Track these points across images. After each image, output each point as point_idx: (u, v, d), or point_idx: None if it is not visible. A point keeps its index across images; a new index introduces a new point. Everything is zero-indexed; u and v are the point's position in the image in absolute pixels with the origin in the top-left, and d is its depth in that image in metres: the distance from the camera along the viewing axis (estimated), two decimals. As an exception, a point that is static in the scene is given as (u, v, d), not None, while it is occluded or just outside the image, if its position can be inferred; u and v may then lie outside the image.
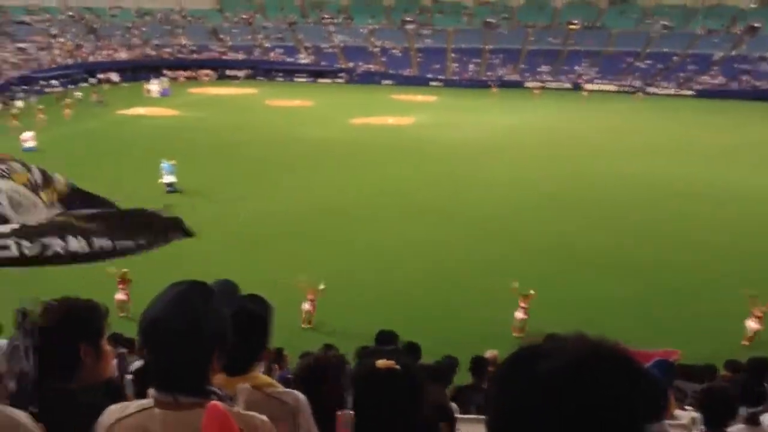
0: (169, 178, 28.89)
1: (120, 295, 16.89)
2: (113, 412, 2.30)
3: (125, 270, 16.77)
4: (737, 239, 23.95)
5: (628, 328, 15.68)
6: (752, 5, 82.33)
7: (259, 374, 3.12)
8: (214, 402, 2.14)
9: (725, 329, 16.61)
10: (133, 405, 2.31)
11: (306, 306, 17.22)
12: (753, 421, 5.71)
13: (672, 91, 71.15)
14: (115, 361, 5.94)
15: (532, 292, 16.90)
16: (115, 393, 3.39)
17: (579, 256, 22.22)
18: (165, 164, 29.22)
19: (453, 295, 19.11)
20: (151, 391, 2.28)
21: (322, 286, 17.22)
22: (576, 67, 78.55)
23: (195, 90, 68.51)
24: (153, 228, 3.88)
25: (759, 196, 29.52)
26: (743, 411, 6.06)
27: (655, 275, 20.63)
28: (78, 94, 58.98)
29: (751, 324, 16.37)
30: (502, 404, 1.30)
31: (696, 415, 5.95)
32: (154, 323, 2.22)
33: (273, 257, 21.74)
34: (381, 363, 2.54)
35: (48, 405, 2.60)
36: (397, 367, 2.53)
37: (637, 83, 73.34)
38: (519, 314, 16.78)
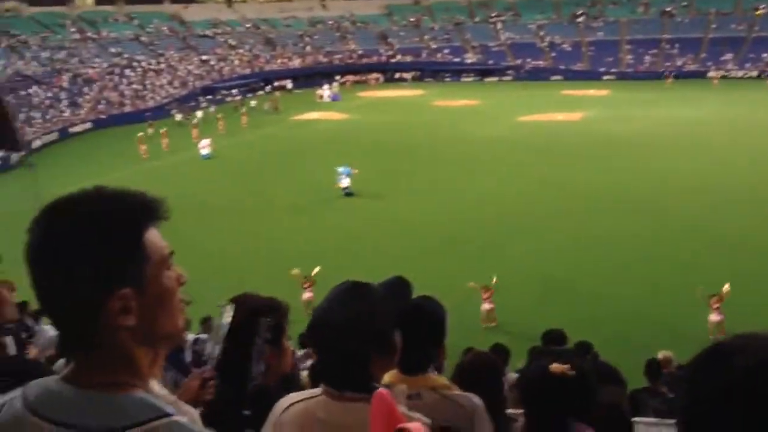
0: (345, 182, 29.89)
1: (307, 294, 17.70)
2: (287, 399, 2.43)
3: (315, 270, 18.01)
4: None
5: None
6: None
7: (435, 375, 3.11)
8: (383, 390, 2.15)
9: None
10: (305, 393, 2.44)
11: (486, 306, 17.22)
12: None
13: None
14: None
15: (725, 289, 15.92)
16: (295, 387, 3.53)
17: None
18: (342, 169, 30.18)
19: (639, 293, 18.57)
20: (322, 385, 2.37)
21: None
22: (764, 54, 72.64)
23: (364, 93, 70.39)
24: None
25: None
26: None
27: None
28: (252, 102, 61.95)
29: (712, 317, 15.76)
30: (694, 400, 1.27)
31: None
32: (317, 322, 2.34)
33: (461, 254, 22.12)
34: (555, 367, 2.47)
35: (262, 412, 2.67)
36: (572, 372, 2.46)
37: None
38: (713, 316, 15.96)
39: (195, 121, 50.13)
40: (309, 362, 7.07)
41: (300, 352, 10.12)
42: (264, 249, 23.78)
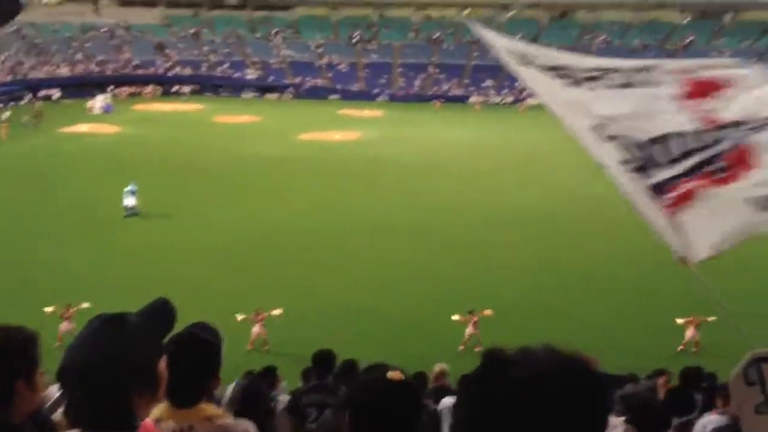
0: (130, 201, 28.60)
1: (65, 325, 17.14)
2: None
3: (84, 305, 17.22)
4: None
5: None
6: (685, 20, 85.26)
7: (207, 405, 3.06)
8: (148, 422, 2.13)
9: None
10: None
11: (256, 329, 17.70)
12: (685, 430, 5.81)
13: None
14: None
15: (486, 312, 17.60)
16: (44, 424, 3.30)
17: (552, 272, 23.11)
18: (129, 187, 28.92)
19: (404, 312, 19.88)
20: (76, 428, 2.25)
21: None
22: (517, 83, 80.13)
23: (139, 106, 67.90)
24: None
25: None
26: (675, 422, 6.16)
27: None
28: (6, 113, 54.47)
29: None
30: (470, 408, 1.32)
31: (623, 423, 5.77)
32: (68, 362, 2.20)
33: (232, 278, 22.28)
34: (392, 374, 2.37)
35: None
36: (404, 377, 2.39)
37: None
38: (469, 329, 17.59)
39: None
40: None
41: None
42: (27, 278, 22.05)
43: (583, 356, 1.37)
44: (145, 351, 2.24)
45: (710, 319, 16.36)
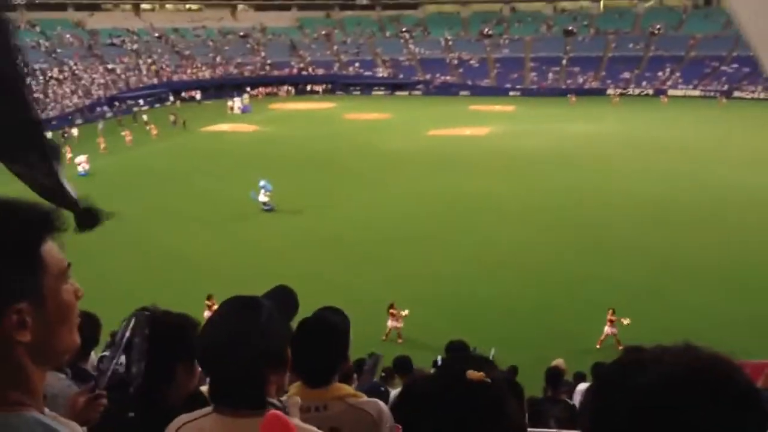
0: (264, 197, 29.21)
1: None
2: (177, 420, 2.36)
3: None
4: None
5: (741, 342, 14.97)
6: None
7: (341, 384, 3.10)
8: (275, 411, 2.11)
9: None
10: (195, 413, 2.35)
11: (390, 322, 17.48)
12: None
13: (760, 95, 68.34)
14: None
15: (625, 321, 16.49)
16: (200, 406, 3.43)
17: (674, 265, 21.80)
18: (262, 183, 29.40)
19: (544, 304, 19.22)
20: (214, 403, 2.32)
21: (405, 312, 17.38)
22: (659, 73, 76.60)
23: (275, 105, 70.15)
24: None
25: None
26: None
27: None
28: (144, 116, 58.08)
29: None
30: (601, 414, 1.24)
31: None
32: (205, 341, 2.28)
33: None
34: (472, 374, 2.14)
35: (146, 415, 2.65)
36: (488, 379, 2.15)
37: (724, 88, 70.95)
38: (607, 328, 16.70)
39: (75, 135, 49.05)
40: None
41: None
42: (179, 264, 23.09)
43: (726, 359, 1.21)
44: (278, 334, 2.32)
45: None
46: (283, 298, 2.54)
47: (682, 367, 1.18)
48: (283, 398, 2.47)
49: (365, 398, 3.08)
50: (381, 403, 3.04)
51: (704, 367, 1.18)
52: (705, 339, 1.27)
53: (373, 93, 79.40)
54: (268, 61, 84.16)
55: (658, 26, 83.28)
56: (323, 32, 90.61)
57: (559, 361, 11.30)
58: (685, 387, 1.15)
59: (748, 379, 1.19)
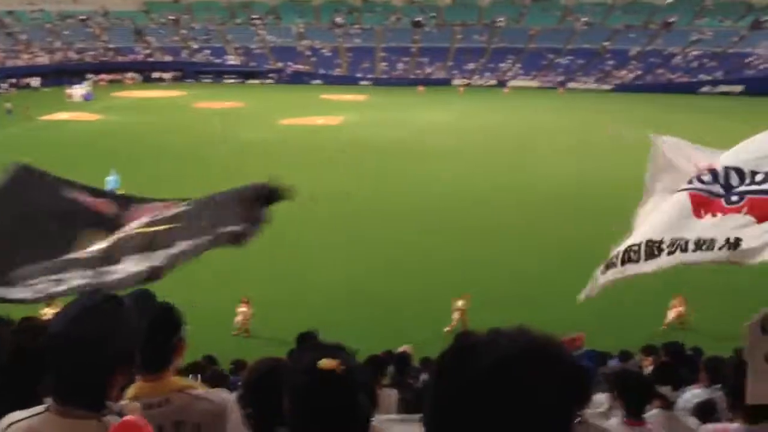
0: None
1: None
2: (12, 416, 2.27)
3: None
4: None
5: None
6: (667, 1, 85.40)
7: (178, 377, 3.08)
8: (131, 418, 2.13)
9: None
10: (28, 411, 2.26)
11: (239, 316, 17.48)
12: (668, 405, 5.79)
13: (592, 86, 73.25)
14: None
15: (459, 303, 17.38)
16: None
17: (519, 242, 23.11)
18: (111, 177, 28.27)
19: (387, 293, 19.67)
20: (48, 399, 2.27)
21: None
22: (501, 64, 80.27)
23: (119, 93, 67.34)
24: (246, 209, 3.84)
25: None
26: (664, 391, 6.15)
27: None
28: None
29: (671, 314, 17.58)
30: (438, 400, 1.30)
31: (611, 399, 5.73)
32: (58, 338, 2.19)
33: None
34: (324, 363, 2.15)
35: None
36: (343, 367, 2.17)
37: (560, 79, 75.39)
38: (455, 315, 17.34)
39: None
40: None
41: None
42: None
43: (555, 339, 1.32)
44: (134, 335, 2.29)
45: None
46: (143, 300, 2.57)
47: (517, 348, 1.27)
48: (123, 402, 2.50)
49: (208, 389, 3.13)
50: (225, 392, 3.09)
51: (537, 347, 1.29)
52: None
53: (225, 81, 78.00)
54: (111, 46, 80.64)
55: (500, 19, 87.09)
56: (170, 17, 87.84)
57: (406, 347, 11.94)
58: (521, 367, 1.24)
59: (574, 357, 1.36)
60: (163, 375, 2.99)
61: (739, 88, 66.69)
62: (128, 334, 2.25)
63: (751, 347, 3.17)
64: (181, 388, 2.97)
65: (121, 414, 2.23)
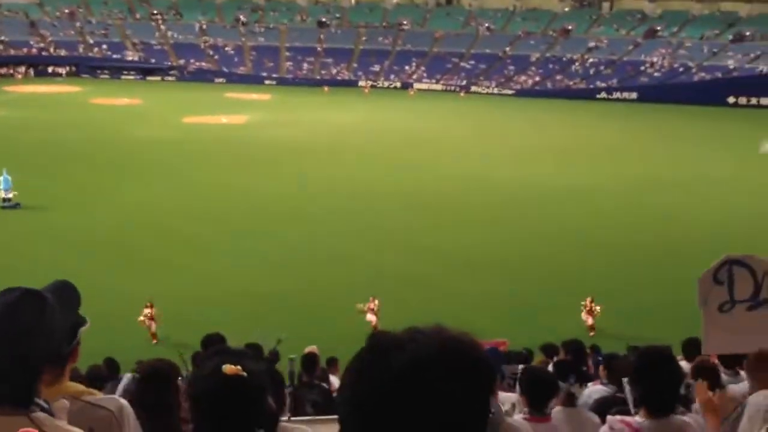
0: (7, 194, 26.95)
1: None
2: None
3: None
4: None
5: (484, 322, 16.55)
6: (566, 9, 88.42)
7: (73, 383, 2.97)
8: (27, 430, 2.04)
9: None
10: None
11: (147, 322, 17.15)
12: (570, 401, 5.94)
13: (494, 90, 74.92)
14: None
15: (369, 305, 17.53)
16: None
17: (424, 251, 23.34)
18: (2, 177, 27.12)
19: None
20: None
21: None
22: (406, 67, 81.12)
23: (10, 88, 64.40)
24: None
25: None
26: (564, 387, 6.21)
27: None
28: None
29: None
30: (351, 393, 1.30)
31: (517, 397, 5.93)
32: None
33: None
34: (228, 368, 2.22)
35: None
36: (244, 373, 2.23)
37: (463, 82, 76.79)
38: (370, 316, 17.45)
39: None
40: None
41: None
42: None
43: (470, 336, 1.35)
44: (60, 329, 2.22)
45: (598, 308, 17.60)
46: (64, 292, 2.45)
47: (434, 346, 1.29)
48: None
49: (101, 395, 3.03)
50: (121, 399, 3.02)
51: (453, 345, 1.31)
52: (462, 321, 1.62)
53: (123, 77, 75.56)
54: (2, 38, 76.84)
55: (404, 22, 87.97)
56: (66, 11, 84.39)
57: (312, 348, 11.80)
58: (438, 363, 1.26)
59: (486, 354, 1.39)
60: (57, 379, 2.83)
61: (633, 94, 69.39)
62: (52, 328, 2.17)
63: (703, 298, 3.25)
64: (76, 394, 2.85)
65: (50, 410, 2.16)
